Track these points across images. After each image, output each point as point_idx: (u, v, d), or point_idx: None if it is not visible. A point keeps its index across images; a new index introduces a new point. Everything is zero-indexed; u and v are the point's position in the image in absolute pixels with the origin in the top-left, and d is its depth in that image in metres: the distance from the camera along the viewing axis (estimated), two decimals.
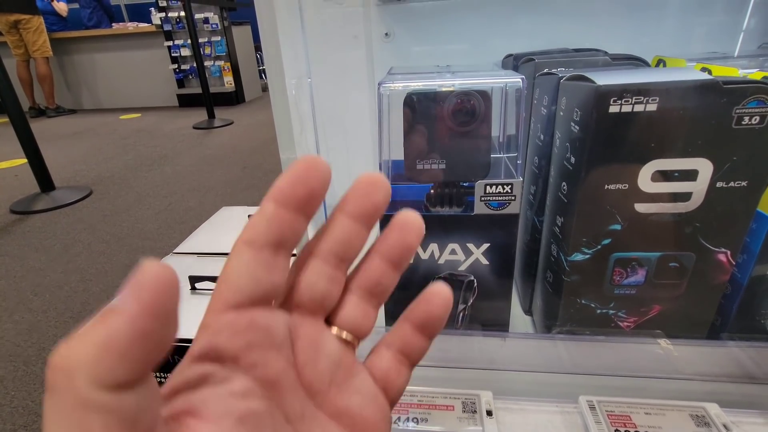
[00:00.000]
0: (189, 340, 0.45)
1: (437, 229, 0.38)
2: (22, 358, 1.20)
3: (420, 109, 0.37)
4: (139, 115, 4.41)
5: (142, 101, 4.78)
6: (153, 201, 2.20)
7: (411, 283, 0.41)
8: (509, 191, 0.36)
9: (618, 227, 0.35)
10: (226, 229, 0.71)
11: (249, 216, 0.68)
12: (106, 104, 4.82)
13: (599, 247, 0.36)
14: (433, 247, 0.39)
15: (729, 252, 0.35)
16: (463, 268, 0.40)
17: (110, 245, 1.78)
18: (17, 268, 1.65)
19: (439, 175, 0.39)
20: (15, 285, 1.53)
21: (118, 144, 3.36)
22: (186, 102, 4.61)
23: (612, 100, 0.30)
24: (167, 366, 0.48)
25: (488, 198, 0.37)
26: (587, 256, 0.37)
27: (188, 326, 0.48)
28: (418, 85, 0.37)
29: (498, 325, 0.43)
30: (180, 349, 0.46)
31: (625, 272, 0.37)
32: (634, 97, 0.30)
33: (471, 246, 0.39)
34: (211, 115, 3.80)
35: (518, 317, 0.51)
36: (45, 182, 2.28)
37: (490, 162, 0.38)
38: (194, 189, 2.33)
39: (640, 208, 0.34)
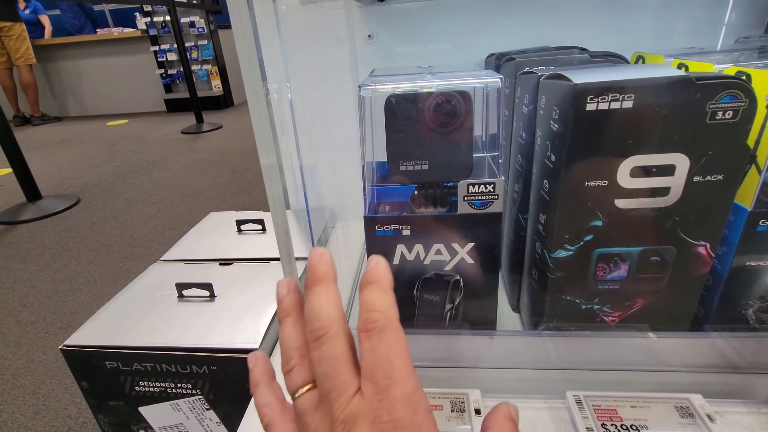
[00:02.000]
0: (175, 348, 0.45)
1: (422, 229, 0.39)
2: (11, 371, 1.18)
3: (401, 110, 0.37)
4: (127, 121, 4.37)
5: (129, 107, 4.73)
6: (142, 207, 2.18)
7: (398, 284, 0.41)
8: (492, 190, 0.37)
9: (599, 223, 0.35)
10: (214, 234, 0.70)
11: (237, 221, 0.68)
12: (93, 111, 4.77)
13: (582, 243, 0.36)
14: (419, 247, 0.39)
15: (708, 245, 0.36)
16: (448, 267, 0.40)
17: (99, 253, 1.76)
18: (4, 279, 1.62)
19: (423, 176, 0.39)
20: (2, 296, 1.51)
21: (106, 151, 3.32)
22: (174, 107, 4.57)
23: (589, 98, 0.31)
24: (152, 372, 0.47)
25: (471, 197, 0.37)
26: (570, 253, 0.37)
27: (175, 334, 0.48)
28: (398, 87, 0.37)
29: (485, 323, 0.43)
30: (166, 357, 0.45)
31: (607, 267, 0.37)
32: (610, 95, 0.30)
33: (456, 246, 0.39)
34: (200, 120, 3.77)
35: (506, 315, 0.51)
36: (31, 191, 2.25)
37: (473, 162, 0.39)
38: (184, 194, 2.31)
39: (621, 203, 0.34)
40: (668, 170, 0.33)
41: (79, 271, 1.65)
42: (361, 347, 0.22)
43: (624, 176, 0.33)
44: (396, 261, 0.40)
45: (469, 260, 0.39)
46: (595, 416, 0.35)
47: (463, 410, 0.36)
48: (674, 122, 0.31)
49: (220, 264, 0.60)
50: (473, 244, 0.39)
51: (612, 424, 0.34)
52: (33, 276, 1.64)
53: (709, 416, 0.34)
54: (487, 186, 0.36)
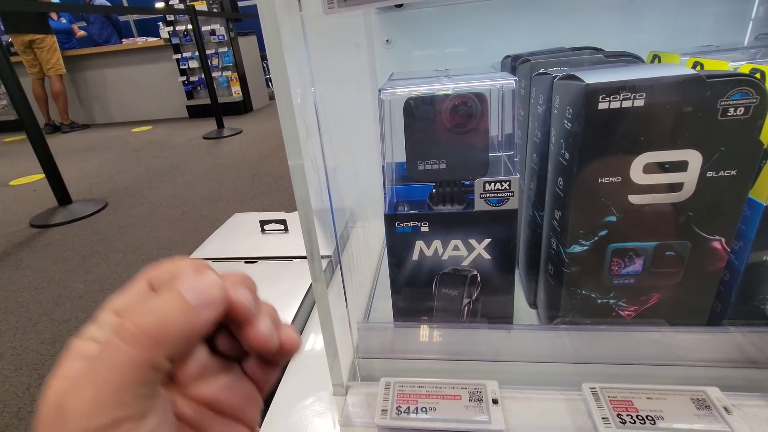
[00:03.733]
0: None
1: (440, 226, 0.40)
2: (47, 366, 1.24)
3: (419, 112, 0.38)
4: (150, 127, 4.51)
5: (152, 114, 4.88)
6: (166, 211, 2.25)
7: (417, 279, 0.43)
8: (507, 188, 0.38)
9: (613, 219, 0.36)
10: (238, 234, 0.73)
11: (260, 221, 0.70)
12: (118, 118, 4.93)
13: (596, 238, 0.37)
14: (437, 244, 0.41)
15: (723, 239, 0.36)
16: (466, 263, 0.42)
17: (127, 255, 1.83)
18: (38, 279, 1.70)
19: (440, 175, 0.41)
20: (37, 296, 1.58)
21: (131, 156, 3.43)
22: (195, 113, 4.69)
23: (601, 98, 0.32)
24: None
25: (487, 195, 0.38)
26: (585, 248, 0.38)
27: None
28: (416, 90, 0.38)
29: (502, 317, 0.44)
30: None
31: (622, 262, 0.38)
32: (621, 94, 0.31)
33: (473, 242, 0.40)
34: (220, 125, 3.86)
35: (524, 311, 0.52)
36: (62, 196, 2.34)
37: (489, 160, 0.40)
38: (206, 198, 2.38)
39: (634, 199, 0.35)
40: (681, 166, 0.34)
41: (108, 272, 1.71)
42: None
43: (637, 172, 0.34)
44: (415, 257, 0.42)
45: (486, 256, 0.41)
46: (611, 407, 0.36)
47: (481, 400, 0.38)
48: (686, 119, 0.32)
49: (246, 262, 0.63)
50: (490, 240, 0.40)
51: (628, 415, 0.35)
52: (65, 277, 1.71)
53: (725, 408, 0.35)
54: (503, 183, 0.38)
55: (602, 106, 0.32)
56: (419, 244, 0.41)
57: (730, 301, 0.40)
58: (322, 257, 0.64)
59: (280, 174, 2.63)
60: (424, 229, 0.41)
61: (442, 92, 0.38)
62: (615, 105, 0.32)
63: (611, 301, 0.40)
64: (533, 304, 0.52)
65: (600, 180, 0.35)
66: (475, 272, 0.42)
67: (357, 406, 0.40)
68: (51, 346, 1.32)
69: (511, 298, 0.43)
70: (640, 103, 0.32)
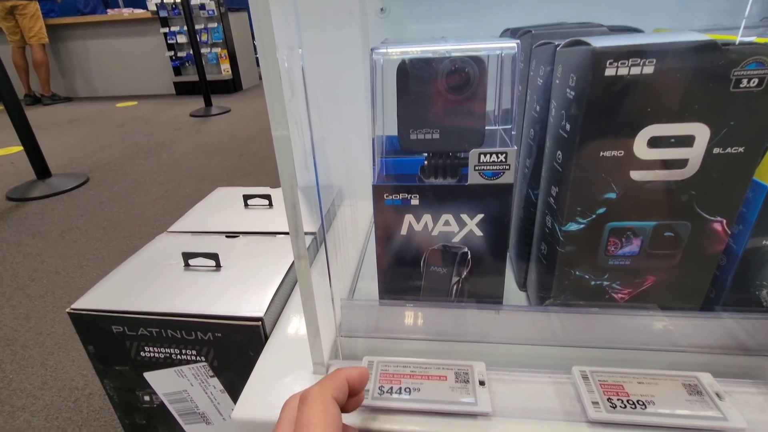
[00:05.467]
0: (180, 314, 0.45)
1: (431, 199, 0.38)
2: (20, 342, 1.20)
3: (413, 75, 0.36)
4: (136, 103, 4.38)
5: (138, 89, 4.74)
6: (150, 188, 2.20)
7: (405, 256, 0.41)
8: (503, 160, 0.36)
9: (613, 196, 0.35)
10: (220, 208, 0.70)
11: (244, 196, 0.67)
12: (102, 92, 4.78)
13: (594, 216, 0.36)
14: (427, 218, 0.39)
15: (724, 221, 0.35)
16: (456, 239, 0.40)
17: (107, 231, 1.78)
18: (14, 254, 1.64)
19: (433, 145, 0.39)
20: (12, 271, 1.53)
21: (115, 132, 3.34)
22: (183, 90, 4.58)
23: (608, 63, 0.30)
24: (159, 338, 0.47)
25: (482, 167, 0.36)
26: (582, 226, 0.36)
27: (180, 301, 0.48)
28: (411, 51, 0.36)
29: (492, 298, 0.43)
30: (171, 322, 0.46)
31: (619, 242, 0.37)
32: (630, 59, 0.29)
33: (465, 217, 0.38)
34: (208, 103, 3.77)
35: (513, 293, 0.51)
36: (41, 169, 2.27)
37: (485, 131, 0.38)
38: (191, 176, 2.32)
39: (636, 175, 0.34)
40: (687, 141, 0.32)
41: (87, 248, 1.66)
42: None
43: (641, 147, 0.32)
44: (403, 231, 0.40)
45: (478, 232, 0.39)
46: (601, 391, 0.35)
47: (467, 381, 0.36)
48: (696, 90, 0.30)
49: (227, 236, 0.60)
50: (482, 215, 0.38)
51: (618, 399, 0.34)
52: (42, 251, 1.65)
53: (717, 394, 0.34)
54: (499, 156, 0.36)
55: (609, 72, 0.30)
56: (408, 218, 0.39)
57: (726, 286, 0.39)
58: (307, 234, 0.62)
59: (268, 154, 2.58)
60: (414, 202, 0.38)
61: (439, 55, 0.35)
62: (623, 71, 0.30)
63: (605, 283, 0.39)
64: (523, 286, 0.50)
65: (601, 154, 0.33)
66: (466, 249, 0.40)
67: None
68: (25, 322, 1.28)
69: (501, 278, 0.41)
70: (649, 70, 0.29)
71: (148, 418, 0.54)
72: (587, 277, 0.39)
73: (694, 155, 0.32)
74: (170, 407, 0.52)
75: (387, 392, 0.36)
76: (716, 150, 0.32)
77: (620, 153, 0.33)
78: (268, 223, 0.64)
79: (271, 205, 0.69)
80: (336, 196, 0.74)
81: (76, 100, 4.65)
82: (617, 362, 0.38)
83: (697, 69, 0.29)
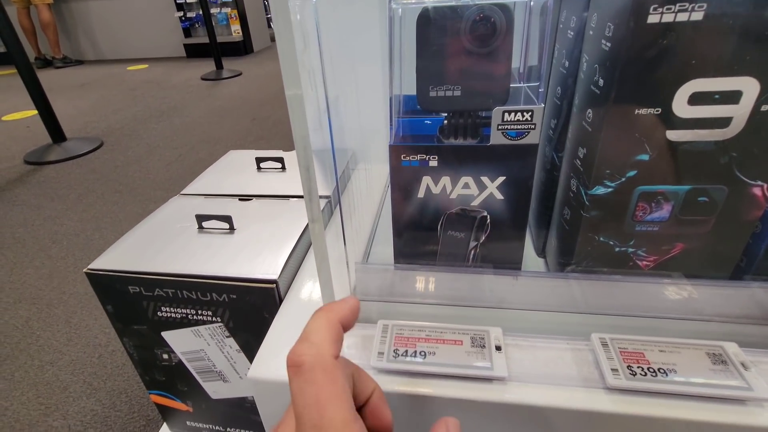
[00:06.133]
0: (196, 276, 0.44)
1: (450, 161, 0.36)
2: (45, 300, 1.25)
3: (436, 25, 0.33)
4: (146, 66, 4.33)
5: (148, 51, 4.67)
6: (163, 152, 2.20)
7: (422, 219, 0.40)
8: (529, 119, 0.34)
9: (645, 157, 0.33)
10: (233, 171, 0.69)
11: (256, 158, 0.66)
12: (110, 55, 4.72)
13: (623, 179, 0.34)
14: (445, 180, 0.37)
15: (765, 185, 0.32)
16: (476, 203, 0.38)
17: (123, 195, 1.80)
18: (35, 216, 1.68)
19: (454, 103, 0.37)
20: (33, 233, 1.57)
21: (127, 95, 3.32)
22: (193, 52, 4.50)
23: (652, 8, 0.27)
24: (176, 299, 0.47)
25: (506, 126, 0.34)
26: (609, 190, 0.34)
27: (195, 262, 0.47)
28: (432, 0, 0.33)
29: (510, 264, 0.42)
30: (187, 284, 0.46)
31: (649, 207, 0.35)
32: (677, 4, 0.27)
33: (485, 179, 0.37)
34: (219, 66, 3.71)
35: (531, 259, 0.50)
36: (56, 133, 2.28)
37: (510, 88, 0.36)
38: (204, 140, 2.31)
39: (672, 135, 0.31)
40: (733, 97, 0.29)
41: (104, 211, 1.69)
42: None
43: (681, 103, 0.30)
44: (420, 194, 0.38)
45: (499, 196, 0.37)
46: (620, 358, 0.34)
47: (484, 346, 0.36)
48: (749, 39, 0.27)
49: (240, 199, 0.60)
50: (504, 178, 0.36)
51: (639, 367, 0.33)
52: (61, 214, 1.69)
53: (743, 364, 0.33)
54: (525, 114, 0.34)
55: (652, 19, 0.27)
56: (426, 180, 0.38)
57: (758, 255, 0.37)
58: (321, 197, 0.61)
59: (280, 118, 2.55)
60: (433, 163, 0.37)
61: (462, 3, 0.33)
62: (668, 18, 0.27)
63: (630, 249, 0.37)
64: (542, 253, 0.49)
65: (637, 111, 0.31)
66: (485, 213, 0.38)
67: (352, 347, 0.38)
68: (48, 281, 1.32)
69: (521, 243, 0.40)
70: (698, 16, 0.27)
71: (167, 375, 0.55)
72: (611, 243, 0.37)
73: (740, 113, 0.30)
74: (188, 365, 0.53)
75: (402, 355, 0.35)
76: (765, 107, 0.29)
77: (657, 111, 0.30)
78: (281, 186, 0.63)
79: (284, 168, 0.68)
80: (350, 159, 0.73)
81: (87, 63, 4.61)
82: (638, 330, 0.37)
83: (752, 16, 0.26)
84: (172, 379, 0.55)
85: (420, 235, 0.41)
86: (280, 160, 0.68)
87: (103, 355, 1.06)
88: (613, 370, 0.33)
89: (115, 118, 2.79)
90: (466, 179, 0.37)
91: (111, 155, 2.21)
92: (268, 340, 0.40)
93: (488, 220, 0.39)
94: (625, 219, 0.36)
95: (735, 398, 0.31)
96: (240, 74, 3.70)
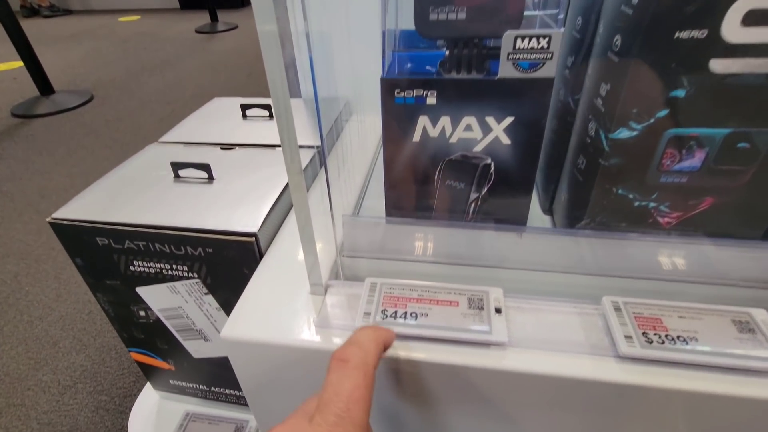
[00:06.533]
0: (168, 228, 0.40)
1: (451, 97, 0.31)
2: (33, 256, 1.22)
3: None
4: (139, 17, 4.14)
5: (140, 2, 4.45)
6: (155, 107, 2.12)
7: (417, 167, 0.35)
8: (545, 47, 0.28)
9: (681, 93, 0.28)
10: (216, 119, 0.64)
11: (241, 105, 0.61)
12: (98, 5, 4.50)
13: (652, 120, 0.29)
14: (445, 121, 0.32)
15: None
16: (478, 148, 0.33)
17: (114, 150, 1.74)
18: (23, 171, 1.63)
19: (457, 29, 0.31)
20: (22, 187, 1.53)
21: (118, 48, 3.18)
22: (187, 3, 4.29)
23: None
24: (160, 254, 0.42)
25: (518, 55, 0.29)
26: (634, 133, 0.30)
27: (168, 213, 0.42)
28: None
29: (514, 220, 0.37)
30: (158, 236, 0.41)
31: (678, 154, 0.30)
32: None
33: (491, 120, 0.32)
34: (214, 18, 3.54)
35: (536, 216, 0.46)
36: (44, 86, 2.19)
37: (523, 9, 0.30)
38: (197, 95, 2.22)
39: (717, 65, 0.26)
40: None
41: (94, 167, 1.64)
42: (327, 375, 0.22)
43: (732, 25, 0.25)
44: (416, 137, 0.34)
45: (505, 139, 0.33)
46: (635, 324, 0.30)
47: (482, 308, 0.32)
48: None
49: (222, 148, 0.55)
50: (513, 119, 0.32)
51: (655, 334, 0.29)
52: (50, 169, 1.64)
53: None
54: (540, 40, 0.28)
55: None
56: (423, 121, 0.33)
57: None
58: (307, 147, 0.56)
59: None
60: (431, 100, 0.32)
61: None
62: None
63: (651, 204, 0.33)
64: (548, 209, 0.45)
65: (677, 35, 0.26)
66: (489, 161, 0.34)
67: (336, 306, 0.35)
68: (37, 237, 1.29)
69: (528, 195, 0.36)
70: None
71: (145, 333, 0.52)
72: (631, 196, 0.33)
73: None
74: (166, 323, 0.50)
75: (390, 316, 0.32)
76: None
77: (702, 33, 0.25)
78: (268, 135, 0.58)
79: (271, 116, 0.63)
80: (343, 110, 0.67)
81: (75, 14, 4.41)
82: (655, 295, 0.33)
83: None
84: (151, 336, 0.52)
85: (414, 186, 0.37)
86: (267, 107, 0.63)
87: (92, 311, 1.04)
88: (626, 336, 0.29)
89: (106, 71, 2.68)
90: (469, 120, 0.32)
91: (101, 109, 2.13)
92: (245, 298, 0.37)
93: (492, 169, 0.34)
94: (650, 168, 0.31)
95: (763, 370, 0.28)
96: (236, 27, 3.54)
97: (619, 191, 0.33)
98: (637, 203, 0.33)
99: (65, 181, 1.56)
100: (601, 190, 0.33)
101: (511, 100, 0.31)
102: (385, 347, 0.26)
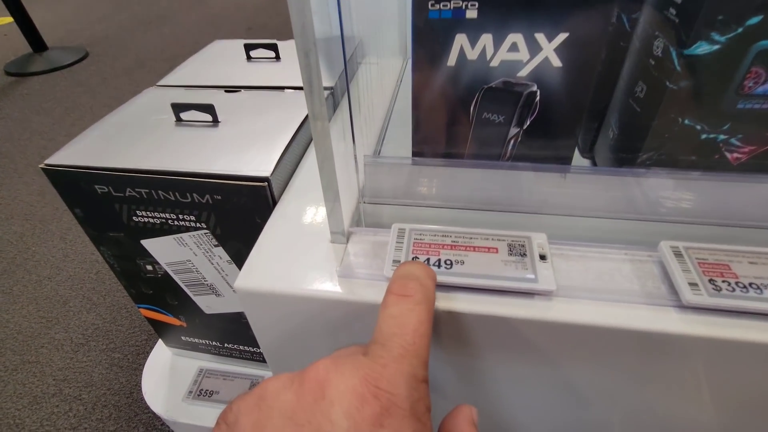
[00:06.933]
0: (172, 173, 0.35)
1: (496, 11, 0.27)
2: (38, 216, 1.20)
3: None
4: None
5: None
6: (153, 64, 2.04)
7: (449, 97, 0.31)
8: None
9: None
10: (218, 61, 0.59)
11: (245, 46, 0.56)
12: None
13: (739, 30, 0.24)
14: (486, 40, 0.28)
15: None
16: (523, 73, 0.29)
17: (112, 109, 1.68)
18: (21, 131, 1.58)
19: None
20: (21, 148, 1.49)
21: (111, 1, 3.04)
22: None
23: None
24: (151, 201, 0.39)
25: None
26: (716, 47, 0.25)
27: (171, 158, 0.37)
28: None
29: (558, 160, 0.33)
30: (161, 182, 0.37)
31: (764, 74, 0.26)
32: None
33: (540, 38, 0.27)
34: None
35: (574, 161, 0.42)
36: (36, 42, 2.10)
37: None
38: (196, 51, 2.13)
39: None
40: None
41: None
42: (384, 310, 0.21)
43: None
44: (452, 61, 0.29)
45: (556, 61, 0.28)
46: (699, 270, 0.27)
47: (524, 254, 0.29)
48: None
49: (226, 91, 0.50)
50: (567, 35, 0.27)
51: (724, 281, 0.26)
52: (49, 129, 1.59)
53: None
54: None
55: None
56: (460, 40, 0.28)
57: None
58: (324, 88, 0.51)
59: (278, 28, 2.33)
60: (471, 14, 0.27)
61: None
62: None
63: (722, 136, 0.29)
64: (588, 152, 0.41)
65: None
66: (535, 88, 0.29)
67: (360, 255, 0.31)
68: (40, 198, 1.26)
69: (576, 131, 0.31)
70: None
71: (154, 288, 0.50)
72: (698, 127, 0.29)
73: None
74: (175, 278, 0.47)
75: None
76: None
77: None
78: (275, 76, 0.53)
79: (278, 57, 0.58)
80: (357, 49, 0.62)
81: None
82: (718, 241, 0.29)
83: None
84: (160, 292, 0.50)
85: (446, 120, 0.32)
86: (274, 47, 0.58)
87: (101, 271, 1.03)
88: (691, 284, 0.26)
89: (100, 27, 2.57)
90: (515, 37, 0.27)
91: (97, 67, 2.06)
92: (259, 247, 0.33)
93: (538, 98, 0.30)
94: (727, 91, 0.27)
95: None
96: None
97: (686, 121, 0.28)
98: (704, 135, 0.29)
99: (65, 141, 1.51)
100: (664, 120, 0.29)
101: (567, 12, 0.26)
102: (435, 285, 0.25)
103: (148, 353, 0.64)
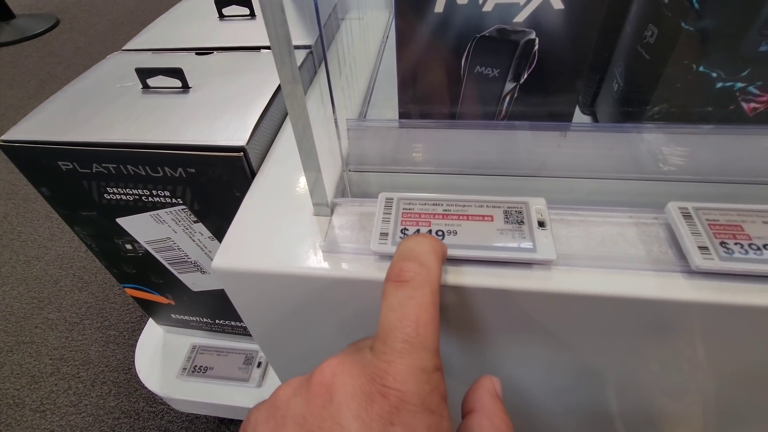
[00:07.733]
0: (139, 145, 0.32)
1: None
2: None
3: None
4: None
5: None
6: (129, 30, 1.93)
7: (438, 49, 0.28)
8: None
9: None
10: (188, 21, 0.54)
11: (216, 2, 0.51)
12: None
13: None
14: None
15: None
16: (520, 19, 0.26)
17: None
18: None
19: None
20: None
21: None
22: None
23: None
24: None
25: None
26: None
27: (138, 129, 0.33)
28: None
29: (557, 117, 0.31)
30: (130, 155, 0.33)
31: None
32: None
33: None
34: None
35: (574, 118, 0.39)
36: (2, 9, 1.98)
37: None
38: None
39: None
40: None
41: None
42: (383, 301, 0.19)
43: None
44: (438, 6, 0.26)
45: (557, 3, 0.25)
46: (710, 233, 0.25)
47: (521, 222, 0.27)
48: None
49: (197, 54, 0.46)
50: None
51: (736, 243, 0.24)
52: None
53: None
54: None
55: None
56: None
57: None
58: (299, 47, 0.47)
59: None
60: None
61: None
62: None
63: (739, 84, 0.26)
64: (589, 105, 0.38)
65: None
66: (533, 35, 0.26)
67: (346, 228, 0.29)
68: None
69: (578, 84, 0.29)
70: None
71: (137, 268, 0.48)
72: (714, 75, 0.26)
73: None
74: (157, 256, 0.45)
75: (411, 234, 0.26)
76: None
77: None
78: (250, 36, 0.49)
79: (253, 15, 0.53)
80: (337, 4, 0.57)
81: None
82: (731, 200, 0.27)
83: None
84: (143, 271, 0.48)
85: (434, 76, 0.29)
86: (248, 3, 0.53)
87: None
88: (701, 247, 0.24)
89: None
90: None
91: (70, 35, 1.95)
92: (237, 222, 0.31)
93: (536, 47, 0.27)
94: (749, 32, 0.24)
95: None
96: None
97: (701, 68, 0.25)
98: (720, 84, 0.26)
99: None
100: (677, 67, 0.26)
101: None
102: (443, 259, 0.22)
103: (144, 329, 0.63)
